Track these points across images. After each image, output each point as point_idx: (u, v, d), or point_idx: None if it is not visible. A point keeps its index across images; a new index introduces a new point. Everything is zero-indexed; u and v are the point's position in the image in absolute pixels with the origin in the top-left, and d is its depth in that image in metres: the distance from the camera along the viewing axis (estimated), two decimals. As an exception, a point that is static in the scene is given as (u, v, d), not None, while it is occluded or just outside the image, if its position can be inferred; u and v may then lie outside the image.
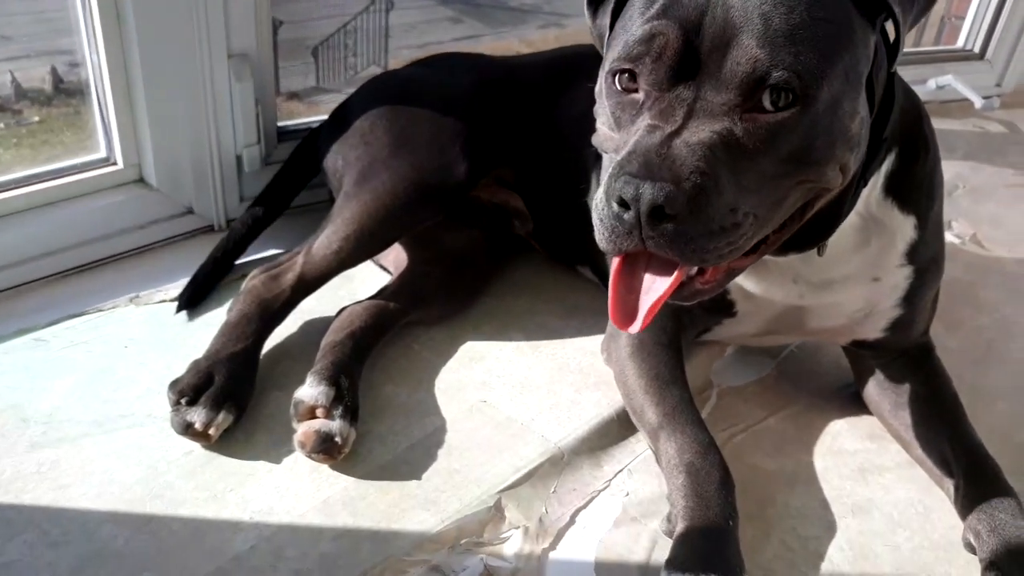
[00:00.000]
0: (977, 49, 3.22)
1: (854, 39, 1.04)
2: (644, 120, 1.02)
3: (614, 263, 1.06)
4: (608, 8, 1.15)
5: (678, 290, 1.03)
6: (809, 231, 1.18)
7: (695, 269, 1.04)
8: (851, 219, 1.25)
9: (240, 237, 1.75)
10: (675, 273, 1.02)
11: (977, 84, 3.09)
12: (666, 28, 1.01)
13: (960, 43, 3.27)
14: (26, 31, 1.86)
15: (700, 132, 0.99)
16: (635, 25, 1.05)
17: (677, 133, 0.99)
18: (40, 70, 1.97)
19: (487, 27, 2.85)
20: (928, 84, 3.04)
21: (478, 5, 2.70)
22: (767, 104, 0.99)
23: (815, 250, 1.24)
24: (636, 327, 1.03)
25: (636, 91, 1.05)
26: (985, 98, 2.93)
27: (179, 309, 1.64)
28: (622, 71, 1.05)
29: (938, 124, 2.97)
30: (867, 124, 1.11)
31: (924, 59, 3.15)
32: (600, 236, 1.03)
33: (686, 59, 1.00)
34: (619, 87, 1.06)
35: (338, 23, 2.42)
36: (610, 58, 1.08)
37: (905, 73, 3.28)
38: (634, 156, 0.98)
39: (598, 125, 1.15)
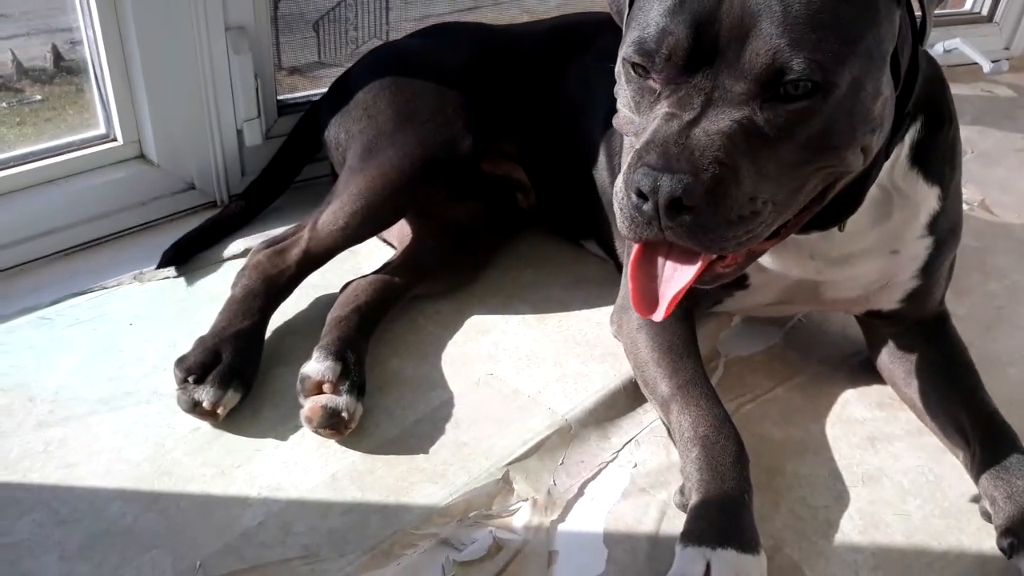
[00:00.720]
0: (985, 11, 3.18)
1: (878, 17, 1.01)
2: (663, 107, 1.01)
3: (633, 250, 1.05)
4: None
5: (701, 276, 1.03)
6: (831, 210, 1.16)
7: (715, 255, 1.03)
8: (872, 192, 1.22)
9: (237, 210, 1.77)
10: (699, 262, 1.02)
11: (985, 47, 3.05)
12: (676, 27, 0.99)
13: (967, 5, 3.23)
14: (25, 8, 1.84)
15: (719, 121, 0.97)
16: (652, 14, 1.02)
17: (696, 122, 0.98)
18: (40, 48, 1.96)
19: None
20: (935, 48, 3.00)
21: None
22: (787, 92, 0.97)
23: (841, 225, 1.23)
24: (660, 315, 1.03)
25: (651, 78, 1.04)
26: (994, 62, 2.89)
27: (159, 266, 1.65)
28: (634, 64, 1.04)
29: (946, 89, 2.96)
30: (892, 103, 1.09)
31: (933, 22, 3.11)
32: (621, 224, 1.03)
33: (700, 52, 0.99)
34: (636, 75, 1.05)
35: None
36: (626, 43, 1.06)
37: (913, 37, 3.15)
38: (652, 146, 0.97)
39: (619, 106, 1.12)
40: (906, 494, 1.31)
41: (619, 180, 1.02)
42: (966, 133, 2.59)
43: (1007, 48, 3.20)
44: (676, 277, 1.03)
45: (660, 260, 1.04)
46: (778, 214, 1.02)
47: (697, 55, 0.99)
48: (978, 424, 1.32)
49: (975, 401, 1.36)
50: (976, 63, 2.93)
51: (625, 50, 1.05)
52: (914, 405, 1.44)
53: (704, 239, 0.97)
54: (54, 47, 2.02)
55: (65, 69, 1.97)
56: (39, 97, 1.99)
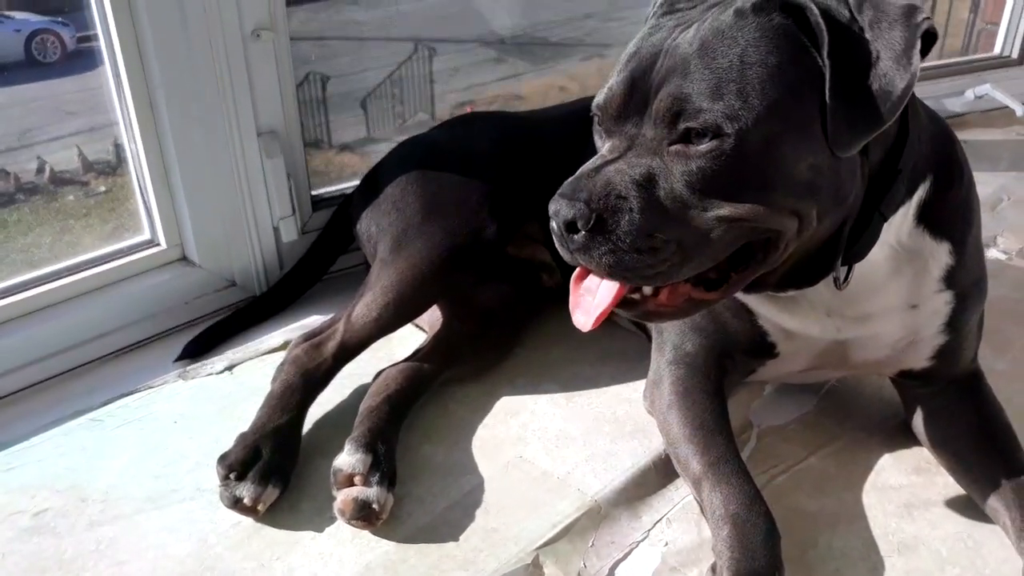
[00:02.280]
0: (1015, 55, 3.17)
1: (799, 88, 1.07)
2: (600, 152, 1.15)
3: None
4: None
5: (631, 306, 1.16)
6: (802, 269, 1.22)
7: (648, 289, 1.15)
8: (882, 250, 1.25)
9: (263, 300, 1.89)
10: (617, 285, 1.13)
11: (1019, 90, 3.03)
12: (616, 82, 1.14)
13: (996, 50, 3.22)
14: (91, 103, 1.95)
15: (631, 162, 1.10)
16: (612, 72, 1.18)
17: (612, 162, 1.11)
18: (104, 142, 2.07)
19: (529, 64, 2.89)
20: (966, 95, 3.00)
21: (519, 44, 2.75)
22: (693, 140, 1.07)
23: (841, 283, 1.24)
24: (588, 326, 1.15)
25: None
26: (1025, 105, 2.88)
27: (177, 359, 1.76)
28: (594, 115, 1.19)
29: (980, 135, 2.95)
30: (839, 172, 1.12)
31: (960, 70, 3.11)
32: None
33: (633, 103, 1.13)
34: (597, 126, 1.20)
35: (384, 73, 2.49)
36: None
37: (941, 85, 3.24)
38: (570, 180, 1.12)
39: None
40: (944, 563, 1.28)
41: None
42: (1002, 180, 2.59)
43: (1040, 89, 3.17)
44: (603, 296, 1.14)
45: (594, 279, 1.15)
46: (686, 257, 1.10)
47: (628, 107, 1.13)
48: (1018, 488, 1.30)
49: (1014, 464, 1.34)
50: (1009, 107, 2.92)
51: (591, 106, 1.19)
52: (952, 469, 1.42)
53: (601, 261, 1.09)
54: (116, 140, 2.15)
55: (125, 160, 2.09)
56: (103, 188, 2.10)
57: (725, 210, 1.08)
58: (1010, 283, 2.05)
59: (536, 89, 2.84)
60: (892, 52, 1.05)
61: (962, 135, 2.94)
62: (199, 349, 1.78)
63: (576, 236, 1.09)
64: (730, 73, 1.06)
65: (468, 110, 2.68)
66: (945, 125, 1.37)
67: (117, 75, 1.72)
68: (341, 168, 2.39)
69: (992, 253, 2.17)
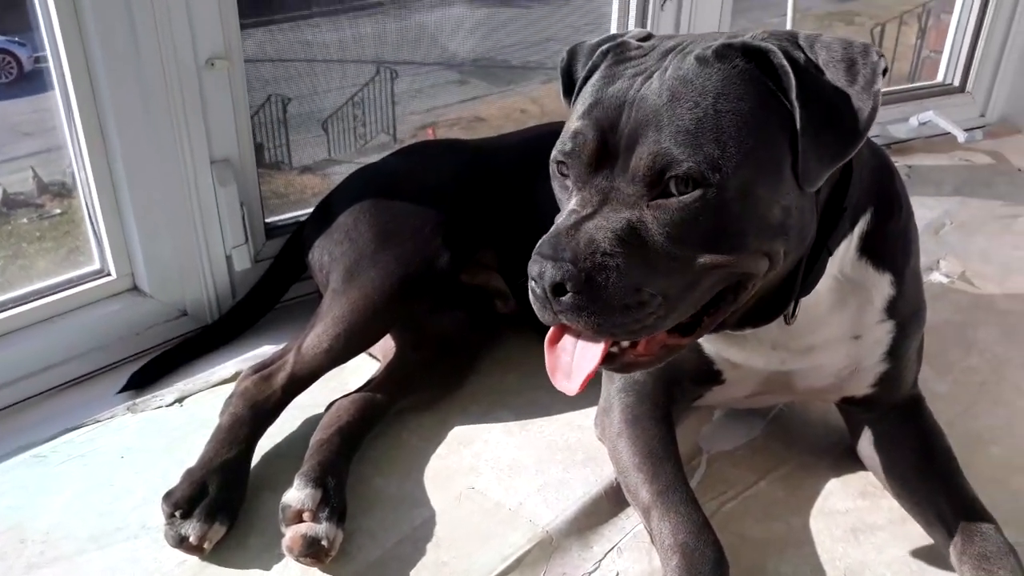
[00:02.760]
0: (957, 82, 3.26)
1: (768, 131, 1.08)
2: (571, 204, 1.13)
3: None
4: (575, 96, 1.26)
5: (611, 360, 1.13)
6: (761, 308, 1.22)
7: (626, 342, 1.13)
8: (826, 283, 1.28)
9: (212, 329, 1.86)
10: (602, 344, 1.10)
11: (961, 117, 3.12)
12: (586, 129, 1.11)
13: (940, 77, 3.31)
14: (48, 125, 1.92)
15: (610, 218, 1.08)
16: (572, 119, 1.16)
17: (590, 217, 1.09)
18: (60, 163, 2.04)
19: (492, 86, 2.91)
20: (911, 121, 3.07)
21: (481, 66, 2.76)
22: (673, 190, 1.06)
23: (790, 318, 1.27)
24: (574, 390, 1.12)
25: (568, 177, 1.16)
26: (967, 131, 2.96)
27: (121, 390, 1.73)
28: (558, 162, 1.16)
29: (925, 160, 3.02)
30: (805, 212, 1.14)
31: (905, 97, 3.18)
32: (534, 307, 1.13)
33: (604, 154, 1.10)
34: (559, 174, 1.17)
35: (345, 95, 2.49)
36: (555, 146, 1.18)
37: (887, 112, 3.31)
38: (548, 237, 1.09)
39: (556, 193, 1.23)
40: (889, 588, 1.31)
41: None
42: (946, 205, 2.66)
43: (982, 115, 3.27)
44: (587, 356, 1.11)
45: (571, 339, 1.13)
46: (671, 308, 1.09)
47: (600, 158, 1.11)
48: (958, 512, 1.33)
49: (953, 488, 1.37)
50: (951, 133, 3.00)
51: (552, 152, 1.17)
52: (896, 493, 1.45)
53: (590, 322, 1.06)
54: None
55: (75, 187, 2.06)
56: (59, 211, 2.06)
57: (706, 258, 1.08)
58: (952, 307, 2.11)
59: (498, 112, 2.86)
60: (854, 88, 1.08)
61: (907, 160, 3.01)
62: (144, 380, 1.76)
63: (563, 298, 1.05)
64: (705, 123, 1.06)
65: (430, 132, 2.69)
66: (885, 157, 1.41)
67: (67, 100, 1.69)
68: (302, 189, 2.37)
69: (935, 277, 2.23)
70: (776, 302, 1.24)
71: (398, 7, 2.40)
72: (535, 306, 1.11)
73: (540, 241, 1.10)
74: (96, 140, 1.72)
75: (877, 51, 1.10)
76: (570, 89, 1.29)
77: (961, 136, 2.90)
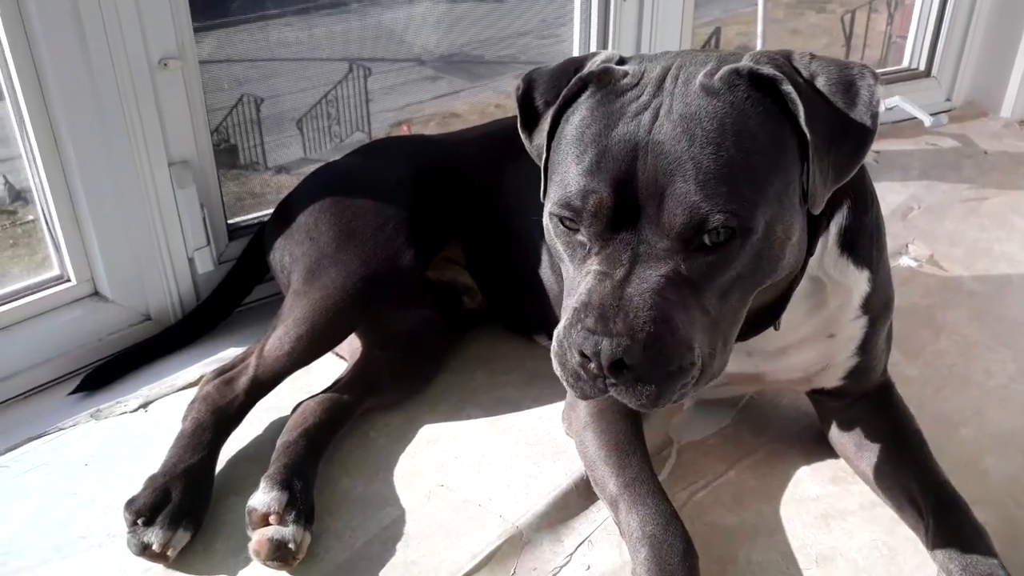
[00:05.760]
0: (922, 67, 3.28)
1: (786, 161, 1.07)
2: (593, 264, 1.06)
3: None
4: (544, 129, 1.19)
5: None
6: (756, 322, 1.22)
7: None
8: (803, 285, 1.27)
9: (172, 332, 1.85)
10: None
11: (927, 101, 3.14)
12: (599, 186, 1.05)
13: (905, 62, 3.32)
14: (7, 133, 1.88)
15: (648, 278, 1.03)
16: (571, 174, 1.08)
17: (627, 280, 1.03)
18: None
19: (465, 82, 2.89)
20: (877, 107, 3.08)
21: (455, 62, 2.75)
22: (707, 241, 1.03)
23: (777, 326, 1.28)
24: None
25: (579, 232, 1.09)
26: (933, 115, 2.97)
27: (74, 391, 1.71)
28: (564, 217, 1.09)
29: (892, 145, 3.04)
30: (804, 227, 1.15)
31: (871, 82, 3.19)
32: (563, 379, 1.09)
33: (623, 208, 1.05)
34: (564, 228, 1.11)
35: (319, 93, 2.46)
36: (550, 199, 1.12)
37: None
38: (590, 308, 1.03)
39: (557, 246, 1.15)
40: (860, 571, 1.31)
41: (557, 335, 1.07)
42: (913, 189, 2.67)
43: (948, 100, 3.29)
44: None
45: None
46: (711, 359, 1.07)
47: (620, 212, 1.04)
48: (929, 495, 1.33)
49: (924, 472, 1.37)
50: (918, 118, 3.01)
51: (552, 206, 1.11)
52: (866, 478, 1.45)
53: (646, 391, 1.03)
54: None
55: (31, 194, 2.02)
56: (31, 217, 2.03)
57: (740, 299, 1.08)
58: (921, 290, 2.12)
59: (473, 107, 2.85)
60: (855, 111, 1.08)
61: (875, 146, 3.03)
62: (100, 381, 1.73)
63: (623, 374, 1.01)
64: (732, 167, 1.02)
65: (404, 128, 2.68)
66: None
67: (17, 106, 1.66)
68: (278, 189, 2.34)
69: (903, 261, 2.24)
70: (770, 313, 1.24)
71: (366, 4, 2.38)
72: (569, 379, 1.08)
73: (577, 309, 1.04)
74: (49, 145, 1.68)
75: (872, 71, 1.10)
76: (530, 120, 1.24)
77: (927, 120, 2.91)
